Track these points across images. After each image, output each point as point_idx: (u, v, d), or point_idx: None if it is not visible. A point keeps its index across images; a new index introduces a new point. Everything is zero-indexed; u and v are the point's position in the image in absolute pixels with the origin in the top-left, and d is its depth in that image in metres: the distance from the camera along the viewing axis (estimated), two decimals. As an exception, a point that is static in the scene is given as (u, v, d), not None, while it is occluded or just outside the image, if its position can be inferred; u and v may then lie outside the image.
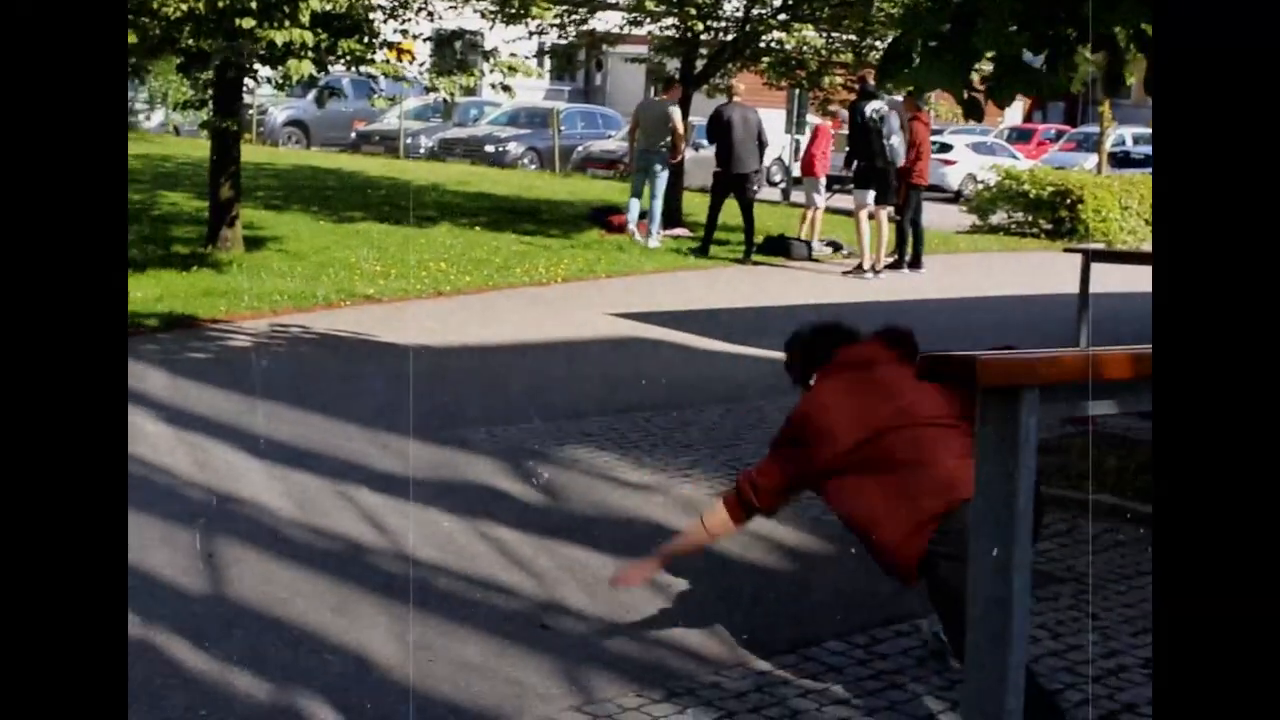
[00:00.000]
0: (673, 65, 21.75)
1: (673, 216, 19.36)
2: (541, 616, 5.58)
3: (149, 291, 12.34)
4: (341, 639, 5.26)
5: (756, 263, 17.61)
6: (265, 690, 4.80)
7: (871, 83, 16.91)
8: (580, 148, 32.20)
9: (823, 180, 18.79)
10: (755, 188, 18.59)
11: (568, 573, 6.10)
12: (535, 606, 5.69)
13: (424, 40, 16.45)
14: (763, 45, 20.91)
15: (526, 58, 15.53)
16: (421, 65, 16.22)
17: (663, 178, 18.42)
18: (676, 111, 18.33)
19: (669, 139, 18.24)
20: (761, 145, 18.28)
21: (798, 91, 25.11)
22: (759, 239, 18.57)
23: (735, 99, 18.35)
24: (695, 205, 21.81)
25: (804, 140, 27.24)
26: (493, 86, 14.94)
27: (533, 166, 32.21)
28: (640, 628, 5.49)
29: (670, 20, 20.58)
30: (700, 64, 20.80)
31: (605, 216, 19.49)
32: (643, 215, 18.64)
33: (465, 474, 7.53)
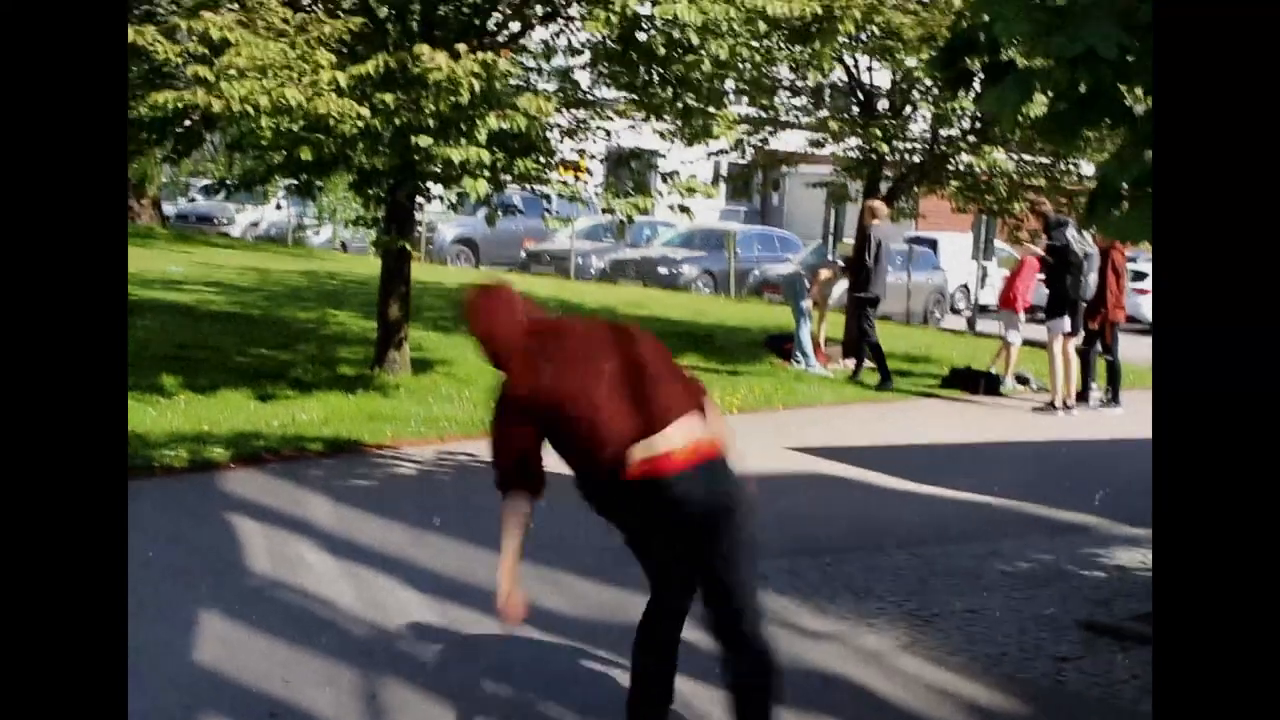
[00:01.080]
0: (855, 188, 21.48)
1: (851, 346, 19.00)
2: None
3: (315, 414, 12.26)
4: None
5: (940, 396, 17.14)
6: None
7: (1051, 211, 16.59)
8: (756, 271, 31.93)
9: (1021, 315, 18.20)
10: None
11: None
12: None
13: (599, 160, 16.38)
14: (950, 168, 20.54)
15: (694, 177, 15.34)
16: (597, 185, 16.11)
17: (803, 305, 18.33)
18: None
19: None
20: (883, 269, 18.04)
21: (985, 217, 24.69)
22: (944, 371, 18.21)
23: (875, 221, 17.98)
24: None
25: (991, 267, 26.84)
26: (671, 208, 14.76)
27: (707, 290, 32.04)
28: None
29: (855, 141, 20.32)
30: (885, 186, 20.49)
31: (782, 344, 19.19)
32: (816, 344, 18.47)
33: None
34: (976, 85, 7.16)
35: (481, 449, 11.49)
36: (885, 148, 19.68)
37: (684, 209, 14.62)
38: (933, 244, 31.35)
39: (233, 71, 11.43)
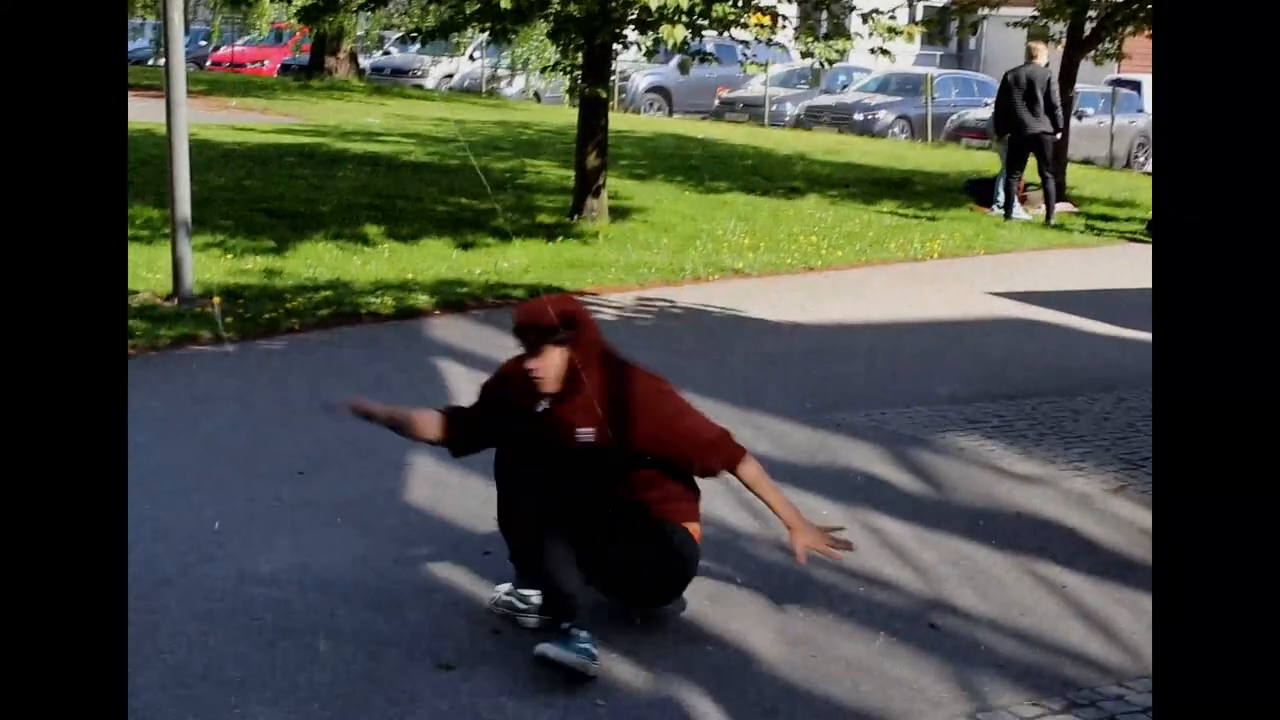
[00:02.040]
0: (1057, 29, 20.88)
1: (1058, 191, 18.62)
2: (929, 614, 5.30)
3: (516, 261, 12.38)
4: (720, 629, 5.10)
5: (1144, 241, 16.76)
6: (643, 679, 4.70)
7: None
8: (954, 116, 31.30)
9: None
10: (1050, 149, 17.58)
11: (954, 568, 5.79)
12: (922, 603, 5.42)
13: (795, 3, 16.15)
14: (1160, 6, 19.80)
15: (894, 18, 14.97)
16: (796, 29, 15.89)
17: (1001, 147, 17.97)
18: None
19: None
20: (1050, 105, 17.30)
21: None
22: (1149, 215, 17.80)
23: (1035, 61, 17.46)
24: (1078, 178, 21.05)
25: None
26: (871, 51, 14.53)
27: (903, 135, 31.56)
28: (1036, 630, 5.15)
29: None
30: (1089, 26, 19.87)
31: (981, 189, 18.88)
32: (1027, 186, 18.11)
33: (844, 459, 7.23)
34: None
35: (680, 294, 11.59)
36: (1092, -15, 19.09)
37: (885, 52, 14.39)
38: (1136, 86, 30.50)
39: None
